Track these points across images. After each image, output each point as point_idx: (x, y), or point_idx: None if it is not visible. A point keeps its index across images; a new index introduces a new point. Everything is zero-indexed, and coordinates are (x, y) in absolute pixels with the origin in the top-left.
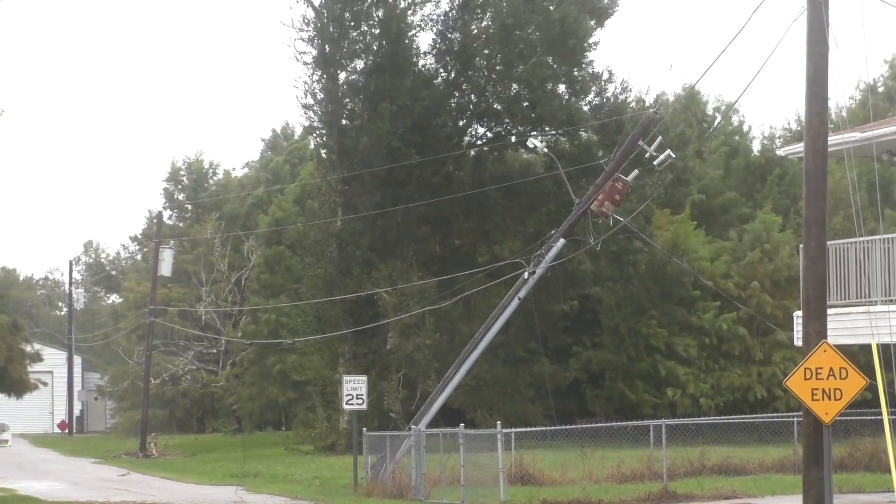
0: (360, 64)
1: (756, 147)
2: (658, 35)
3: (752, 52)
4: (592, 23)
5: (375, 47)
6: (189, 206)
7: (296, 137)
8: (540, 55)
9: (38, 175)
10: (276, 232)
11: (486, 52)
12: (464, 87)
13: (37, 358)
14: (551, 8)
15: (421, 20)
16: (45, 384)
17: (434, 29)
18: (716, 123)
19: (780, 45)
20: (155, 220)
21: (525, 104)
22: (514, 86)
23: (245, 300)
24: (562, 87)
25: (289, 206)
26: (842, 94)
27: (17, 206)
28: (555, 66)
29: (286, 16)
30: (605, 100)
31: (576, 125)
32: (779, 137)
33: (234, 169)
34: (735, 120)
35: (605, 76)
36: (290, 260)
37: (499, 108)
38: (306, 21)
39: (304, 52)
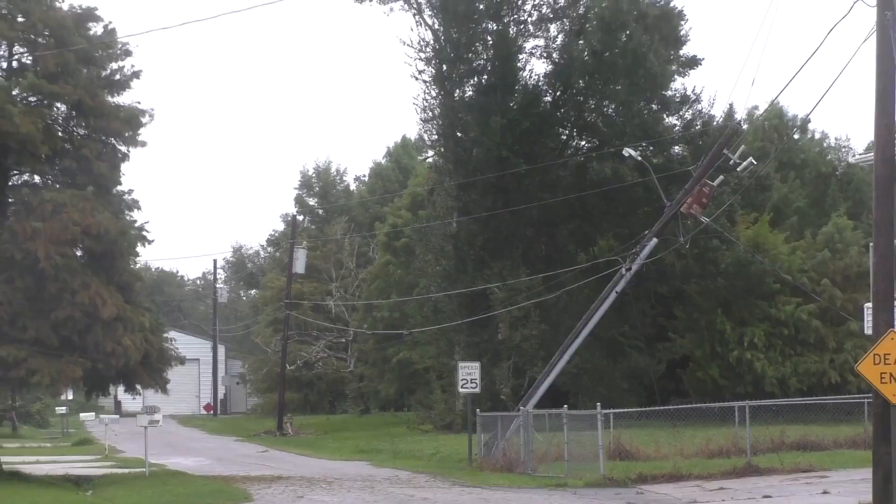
0: (473, 82)
1: (830, 156)
2: (742, 50)
3: (829, 68)
4: (673, 69)
5: (489, 67)
6: (320, 211)
7: (410, 144)
8: (623, 82)
9: (192, 185)
10: (393, 234)
11: (583, 73)
12: (566, 104)
13: (180, 360)
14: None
15: (532, 48)
16: (167, 394)
17: (542, 54)
18: (786, 136)
19: (852, 62)
20: (290, 223)
21: (620, 119)
22: (609, 105)
23: (371, 295)
24: (649, 107)
25: (405, 215)
26: None
27: (178, 215)
28: (641, 87)
29: (406, 35)
30: (694, 114)
31: (663, 136)
32: (847, 148)
33: (364, 175)
34: (816, 131)
35: (693, 97)
36: (403, 263)
37: (597, 122)
38: (425, 42)
39: (423, 71)
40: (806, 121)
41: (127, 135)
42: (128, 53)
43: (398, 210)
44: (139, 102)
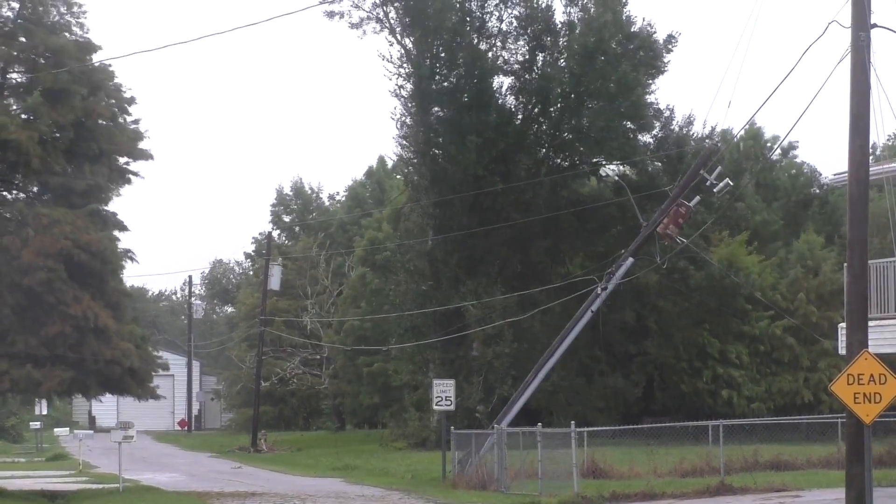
0: (449, 100)
1: (803, 178)
2: (717, 74)
3: (804, 88)
4: (648, 80)
5: (465, 85)
6: (296, 228)
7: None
8: (601, 105)
9: (168, 201)
10: (371, 251)
11: (560, 91)
12: (542, 122)
13: (165, 367)
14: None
15: (502, 63)
16: (165, 398)
17: (513, 75)
18: (764, 157)
19: (827, 83)
20: (265, 240)
21: (595, 137)
22: (585, 121)
23: (346, 312)
24: (628, 124)
25: (385, 228)
26: (882, 129)
27: (152, 230)
28: (617, 106)
29: (386, 49)
30: (669, 132)
31: (639, 157)
32: (820, 170)
33: (337, 193)
34: (790, 152)
35: (668, 114)
36: (382, 276)
37: (572, 139)
38: (403, 58)
39: (402, 87)
40: (783, 144)
41: (128, 155)
42: (118, 88)
43: (377, 223)
44: (137, 122)
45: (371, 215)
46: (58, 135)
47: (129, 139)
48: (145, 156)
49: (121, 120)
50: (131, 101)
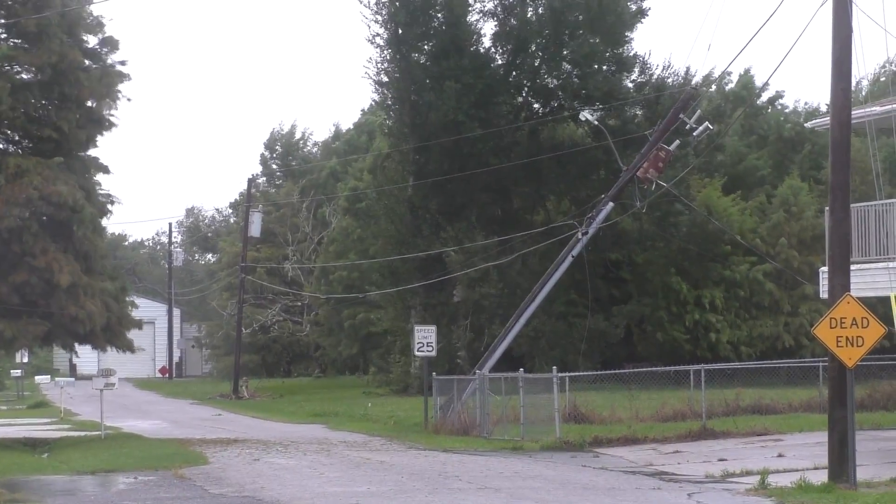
0: (427, 46)
1: (789, 121)
2: (698, 18)
3: (789, 33)
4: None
5: (443, 29)
6: (279, 174)
7: (365, 110)
8: (584, 36)
9: (151, 146)
10: (353, 198)
11: (539, 35)
12: (520, 67)
13: (137, 325)
14: None
15: (480, 12)
16: (144, 349)
17: (494, 17)
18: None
19: (810, 27)
20: (246, 187)
21: (575, 81)
22: (565, 65)
23: (328, 259)
24: (606, 67)
25: (367, 178)
26: (864, 72)
27: (130, 176)
28: (599, 44)
29: None
30: (648, 77)
31: (620, 99)
32: (808, 111)
33: (326, 140)
34: (774, 97)
35: (647, 55)
36: (364, 225)
37: (552, 85)
38: (381, 4)
39: (378, 35)
40: (769, 89)
41: (107, 100)
42: (101, 25)
43: (360, 172)
44: (123, 63)
45: (352, 165)
46: (31, 78)
47: (108, 82)
48: (119, 98)
49: (98, 64)
50: (112, 42)
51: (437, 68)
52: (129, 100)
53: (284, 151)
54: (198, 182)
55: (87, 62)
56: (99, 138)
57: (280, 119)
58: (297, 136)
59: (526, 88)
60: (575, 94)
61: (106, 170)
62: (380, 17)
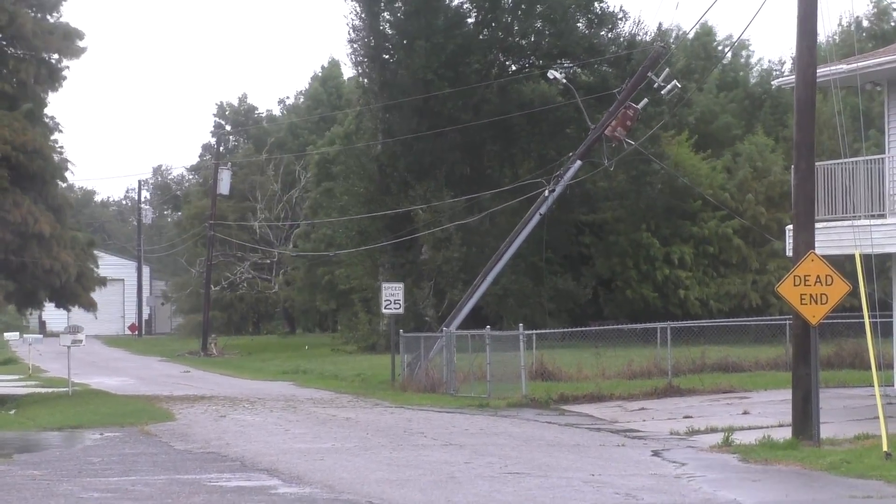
0: (398, 4)
1: (755, 79)
2: None
3: None
4: None
5: None
6: (241, 137)
7: (338, 71)
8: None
9: (120, 108)
10: (323, 159)
11: None
12: (492, 25)
13: (102, 282)
14: None
15: None
16: (95, 307)
17: None
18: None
19: None
20: (213, 147)
21: (547, 38)
22: (538, 23)
23: (297, 217)
24: (580, 25)
25: (340, 143)
26: (829, 30)
27: (99, 135)
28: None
29: None
30: (619, 35)
31: (593, 57)
32: (776, 70)
33: (288, 98)
34: (743, 55)
35: (620, 14)
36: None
37: (523, 43)
38: None
39: None
40: (735, 45)
41: (62, 52)
42: None
43: (332, 139)
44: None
45: (320, 124)
46: None
47: (60, 35)
48: (77, 52)
49: (53, 15)
50: None
51: (409, 27)
52: (84, 50)
53: (243, 116)
54: (163, 141)
55: (38, 14)
56: (52, 94)
57: (241, 78)
58: (254, 102)
59: (497, 47)
60: (547, 52)
61: (58, 128)
62: None
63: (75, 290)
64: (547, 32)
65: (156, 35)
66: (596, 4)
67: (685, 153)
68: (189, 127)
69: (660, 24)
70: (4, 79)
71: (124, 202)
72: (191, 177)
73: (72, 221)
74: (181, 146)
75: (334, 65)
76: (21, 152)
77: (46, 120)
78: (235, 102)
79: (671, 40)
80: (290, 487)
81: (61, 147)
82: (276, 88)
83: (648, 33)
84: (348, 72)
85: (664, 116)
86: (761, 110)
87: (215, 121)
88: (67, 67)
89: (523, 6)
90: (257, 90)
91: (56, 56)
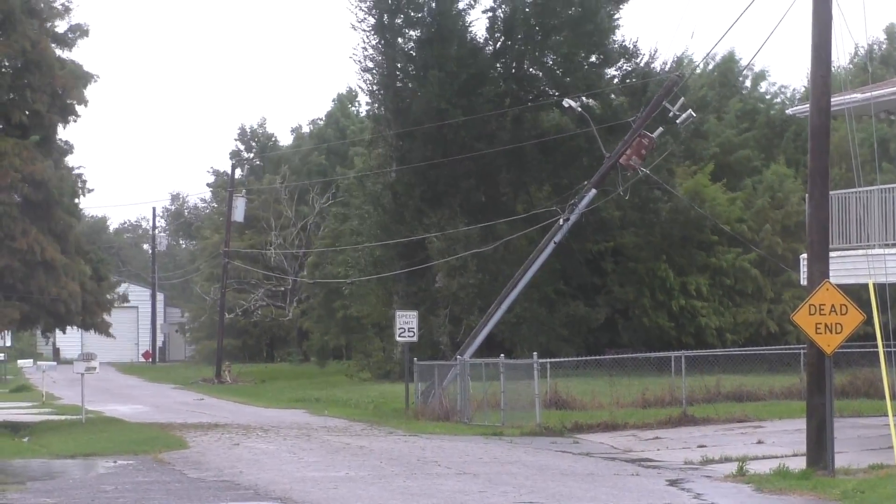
0: (412, 34)
1: (775, 108)
2: (682, 4)
3: (773, 20)
4: (609, 10)
5: (429, 19)
6: (258, 162)
7: (351, 98)
8: (567, 35)
9: (135, 134)
10: (337, 191)
11: (525, 25)
12: (506, 55)
13: (123, 298)
14: None
15: (469, 3)
16: (113, 337)
17: (482, 7)
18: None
19: (791, 13)
20: (226, 175)
21: (558, 73)
22: (549, 56)
23: (311, 244)
24: (592, 58)
25: (353, 183)
26: (844, 59)
27: (113, 160)
28: (582, 38)
29: None
30: (635, 65)
31: (603, 88)
32: (797, 98)
33: (302, 126)
34: (762, 85)
35: (632, 48)
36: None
37: (539, 74)
38: None
39: (363, 21)
40: (755, 75)
41: (74, 92)
42: (67, 10)
43: (346, 172)
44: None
45: (323, 151)
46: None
47: (78, 72)
48: (83, 99)
49: (67, 50)
50: (82, 29)
51: (422, 56)
52: (96, 79)
53: (259, 143)
54: (178, 168)
55: (57, 50)
56: (68, 125)
57: (257, 107)
58: (269, 129)
59: (510, 77)
60: (558, 84)
61: (69, 151)
62: (364, 4)
63: (82, 318)
64: (559, 67)
65: (171, 63)
66: (603, 46)
67: (704, 184)
68: (204, 154)
69: (675, 54)
70: (18, 107)
71: (137, 230)
72: (204, 205)
73: (84, 249)
74: (195, 173)
75: (347, 97)
76: (30, 182)
77: (60, 143)
78: (256, 125)
79: (686, 70)
80: None
81: (78, 171)
82: (293, 116)
83: (667, 64)
84: (363, 100)
85: (668, 146)
86: (782, 139)
87: (235, 145)
88: (82, 103)
89: (536, 39)
90: (274, 118)
91: (68, 93)
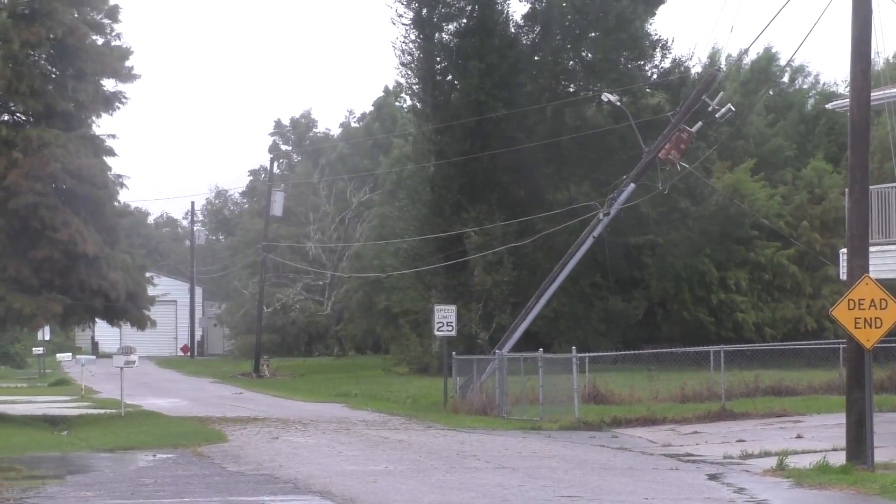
0: (452, 26)
1: (811, 101)
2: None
3: (812, 14)
4: (643, 18)
5: (468, 10)
6: (295, 156)
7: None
8: (601, 37)
9: (174, 126)
10: (376, 184)
11: (563, 19)
12: (544, 49)
13: (151, 301)
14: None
15: None
16: (153, 323)
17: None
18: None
19: (831, 7)
20: (262, 170)
21: (596, 69)
22: (587, 52)
23: (349, 238)
24: (627, 56)
25: (395, 156)
26: (883, 54)
27: (154, 153)
28: (618, 35)
29: None
30: (674, 62)
31: (640, 84)
32: (831, 91)
33: (349, 117)
34: (799, 80)
35: (669, 44)
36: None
37: (574, 68)
38: None
39: (402, 15)
40: (792, 69)
41: (120, 73)
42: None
43: (392, 165)
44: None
45: (372, 144)
46: (33, 54)
47: (115, 58)
48: (131, 77)
49: (104, 38)
50: (113, 13)
51: (462, 47)
52: (138, 76)
53: (297, 136)
54: (215, 162)
55: (94, 36)
56: (109, 115)
57: (295, 100)
58: (309, 120)
59: (548, 70)
60: (596, 79)
61: (112, 152)
62: None
63: (126, 310)
64: (596, 64)
65: (205, 58)
66: (642, 38)
67: (745, 179)
68: (245, 147)
69: (713, 49)
70: (64, 97)
71: (176, 227)
72: (244, 200)
73: (126, 242)
74: (235, 166)
75: (389, 94)
76: (70, 175)
77: (103, 138)
78: (297, 116)
79: (725, 64)
80: None
81: (116, 173)
82: (337, 110)
83: (701, 60)
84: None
85: (707, 146)
86: (814, 133)
87: (272, 139)
88: (124, 93)
89: (577, 31)
90: (318, 110)
91: (112, 81)
